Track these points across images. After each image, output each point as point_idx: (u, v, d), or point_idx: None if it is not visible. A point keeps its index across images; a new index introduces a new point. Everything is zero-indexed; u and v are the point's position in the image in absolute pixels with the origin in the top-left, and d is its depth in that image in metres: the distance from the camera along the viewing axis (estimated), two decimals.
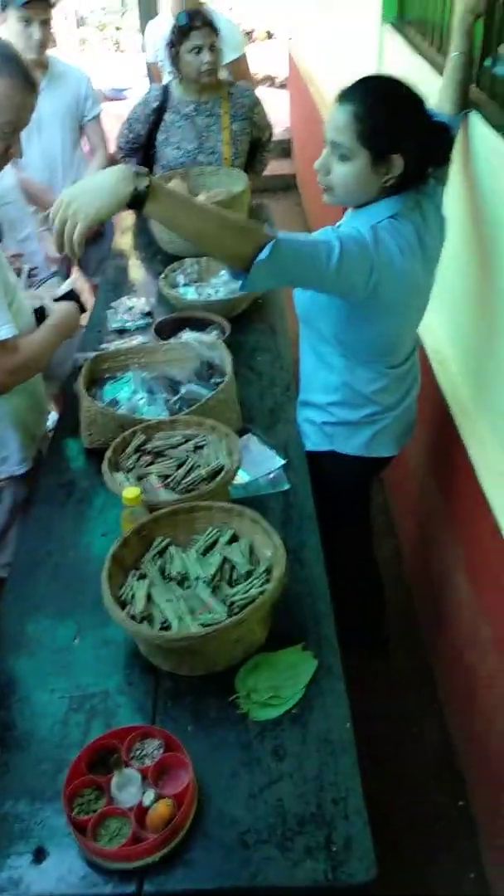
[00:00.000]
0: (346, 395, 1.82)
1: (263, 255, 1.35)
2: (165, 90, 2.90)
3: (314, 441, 1.93)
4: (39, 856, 1.11)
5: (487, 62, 1.79)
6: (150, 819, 1.09)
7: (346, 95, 1.49)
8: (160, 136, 2.92)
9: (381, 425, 1.86)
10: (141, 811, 1.10)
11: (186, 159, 2.91)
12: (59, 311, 1.89)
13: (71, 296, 1.97)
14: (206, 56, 2.70)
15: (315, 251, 1.43)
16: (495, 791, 1.81)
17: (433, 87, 2.13)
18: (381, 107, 1.46)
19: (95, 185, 1.33)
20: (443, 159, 1.65)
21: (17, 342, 1.66)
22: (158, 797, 1.11)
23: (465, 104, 1.80)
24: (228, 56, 3.51)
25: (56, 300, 1.93)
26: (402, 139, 1.48)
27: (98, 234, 3.19)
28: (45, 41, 2.72)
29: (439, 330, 2.19)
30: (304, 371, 1.91)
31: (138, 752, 1.19)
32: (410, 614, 2.53)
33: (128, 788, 1.12)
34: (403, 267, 1.54)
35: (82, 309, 1.99)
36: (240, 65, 3.66)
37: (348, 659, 1.38)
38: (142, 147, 3.00)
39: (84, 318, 2.11)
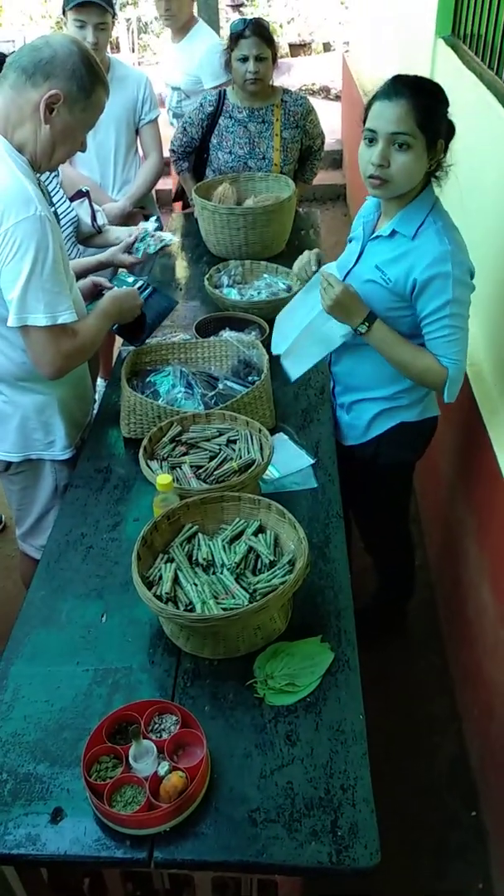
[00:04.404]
0: None
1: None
2: (221, 95, 2.96)
3: (376, 428, 1.99)
4: (57, 816, 1.16)
5: None
6: (164, 789, 1.13)
7: (399, 91, 1.61)
8: (214, 140, 2.99)
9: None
10: (155, 781, 1.15)
11: (237, 164, 2.98)
12: (112, 297, 1.95)
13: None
14: (251, 65, 2.77)
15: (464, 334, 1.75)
16: None
17: (482, 102, 2.15)
18: (432, 97, 1.63)
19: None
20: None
21: (76, 326, 1.73)
22: (173, 769, 1.15)
23: None
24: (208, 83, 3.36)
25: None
26: (442, 127, 1.64)
27: None
28: (100, 46, 2.73)
29: (478, 336, 2.20)
30: (362, 374, 1.96)
31: (156, 725, 1.24)
32: (434, 623, 2.54)
33: (144, 759, 1.16)
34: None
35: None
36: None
37: (371, 662, 1.40)
38: (195, 150, 3.08)
39: None
